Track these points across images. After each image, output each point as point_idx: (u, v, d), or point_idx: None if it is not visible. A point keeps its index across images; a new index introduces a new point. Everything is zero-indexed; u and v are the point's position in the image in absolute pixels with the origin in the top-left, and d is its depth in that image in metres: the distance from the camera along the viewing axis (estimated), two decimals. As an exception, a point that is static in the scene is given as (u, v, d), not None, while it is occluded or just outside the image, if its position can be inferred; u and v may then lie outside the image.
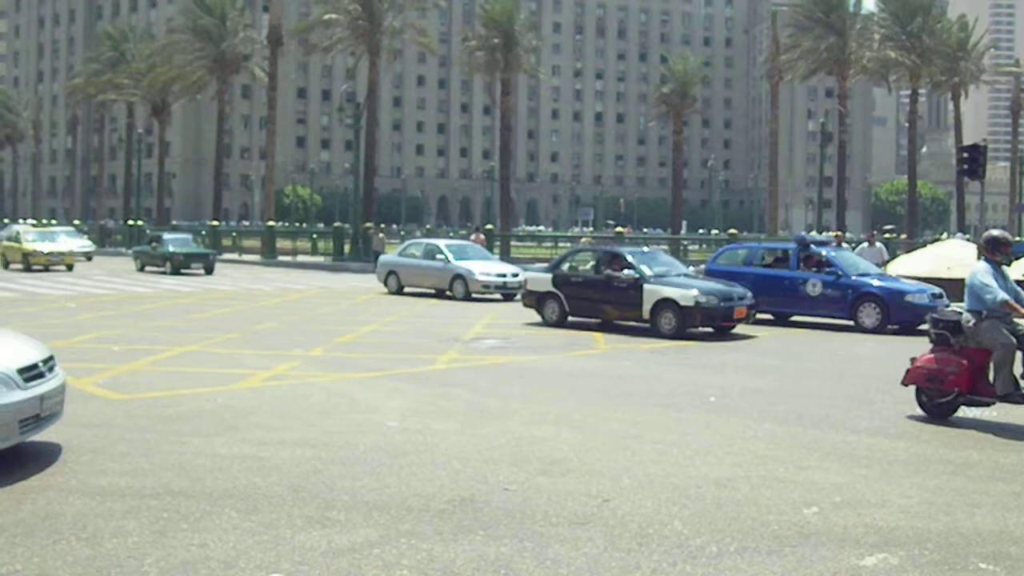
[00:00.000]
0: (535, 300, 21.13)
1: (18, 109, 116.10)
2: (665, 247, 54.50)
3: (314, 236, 54.15)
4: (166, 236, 42.49)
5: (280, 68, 64.60)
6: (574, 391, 12.65)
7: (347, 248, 47.05)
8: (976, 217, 75.41)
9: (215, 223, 58.92)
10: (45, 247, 40.92)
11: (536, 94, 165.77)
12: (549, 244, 55.20)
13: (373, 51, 57.11)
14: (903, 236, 59.67)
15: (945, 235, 61.99)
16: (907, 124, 77.76)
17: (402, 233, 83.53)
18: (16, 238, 42.46)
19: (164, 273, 38.82)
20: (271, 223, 55.21)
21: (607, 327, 20.33)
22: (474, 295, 27.63)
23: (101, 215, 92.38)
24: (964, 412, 11.41)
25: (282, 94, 78.51)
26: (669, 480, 8.08)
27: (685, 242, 56.17)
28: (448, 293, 28.23)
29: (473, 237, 40.81)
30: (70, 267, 40.39)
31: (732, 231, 51.37)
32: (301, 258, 49.28)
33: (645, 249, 24.39)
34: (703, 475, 8.27)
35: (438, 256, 28.98)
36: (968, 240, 35.02)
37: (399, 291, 29.39)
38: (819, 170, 57.08)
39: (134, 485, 7.69)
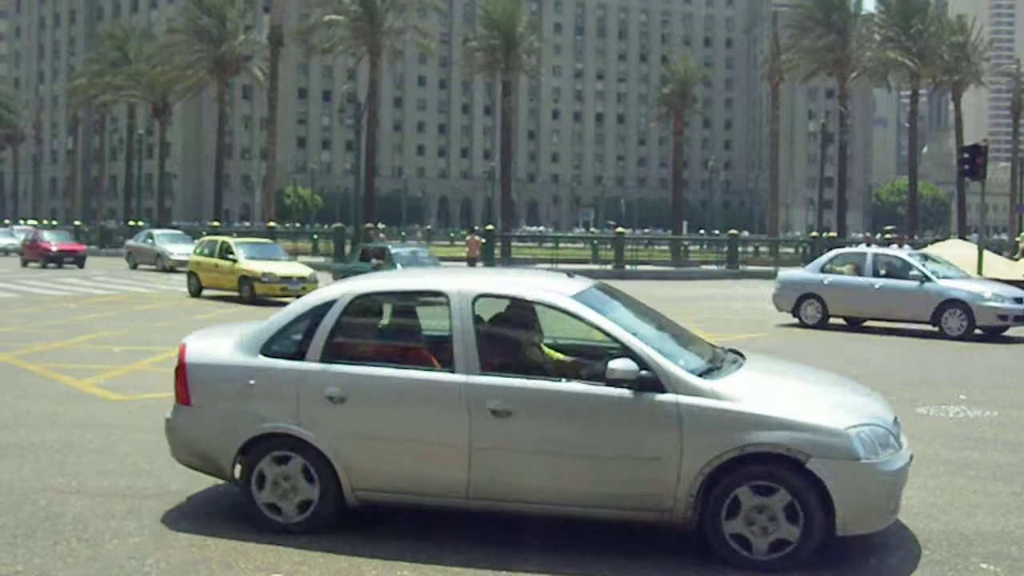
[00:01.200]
0: None
1: (19, 110, 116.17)
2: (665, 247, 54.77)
3: (315, 237, 54.11)
4: (394, 250, 28.80)
5: (281, 69, 64.61)
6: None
7: (348, 248, 47.04)
8: (977, 217, 75.39)
9: (216, 224, 58.92)
10: (277, 269, 26.78)
11: (537, 95, 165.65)
12: (550, 245, 55.17)
13: (374, 52, 57.13)
14: (904, 237, 59.70)
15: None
16: (908, 124, 77.76)
17: (402, 233, 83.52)
18: (222, 252, 27.91)
19: None
20: (272, 224, 55.23)
21: None
22: (979, 330, 19.02)
23: (102, 216, 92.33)
24: (965, 412, 11.39)
25: (283, 95, 78.39)
26: (670, 480, 8.05)
27: (686, 243, 56.20)
28: (931, 328, 19.41)
29: (469, 239, 40.02)
30: None
31: (733, 232, 51.40)
32: (302, 258, 48.95)
33: None
34: (704, 475, 8.22)
35: (911, 273, 19.78)
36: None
37: (822, 322, 20.59)
38: (820, 171, 57.08)
39: (135, 485, 7.70)
